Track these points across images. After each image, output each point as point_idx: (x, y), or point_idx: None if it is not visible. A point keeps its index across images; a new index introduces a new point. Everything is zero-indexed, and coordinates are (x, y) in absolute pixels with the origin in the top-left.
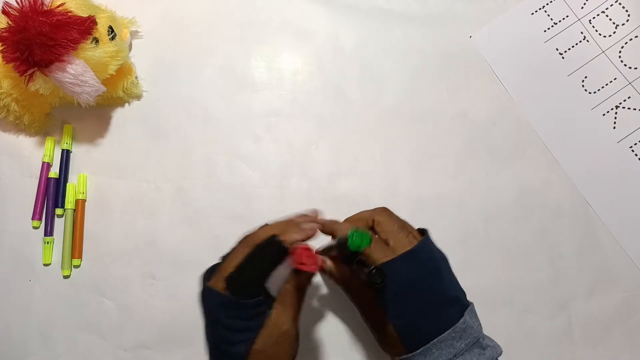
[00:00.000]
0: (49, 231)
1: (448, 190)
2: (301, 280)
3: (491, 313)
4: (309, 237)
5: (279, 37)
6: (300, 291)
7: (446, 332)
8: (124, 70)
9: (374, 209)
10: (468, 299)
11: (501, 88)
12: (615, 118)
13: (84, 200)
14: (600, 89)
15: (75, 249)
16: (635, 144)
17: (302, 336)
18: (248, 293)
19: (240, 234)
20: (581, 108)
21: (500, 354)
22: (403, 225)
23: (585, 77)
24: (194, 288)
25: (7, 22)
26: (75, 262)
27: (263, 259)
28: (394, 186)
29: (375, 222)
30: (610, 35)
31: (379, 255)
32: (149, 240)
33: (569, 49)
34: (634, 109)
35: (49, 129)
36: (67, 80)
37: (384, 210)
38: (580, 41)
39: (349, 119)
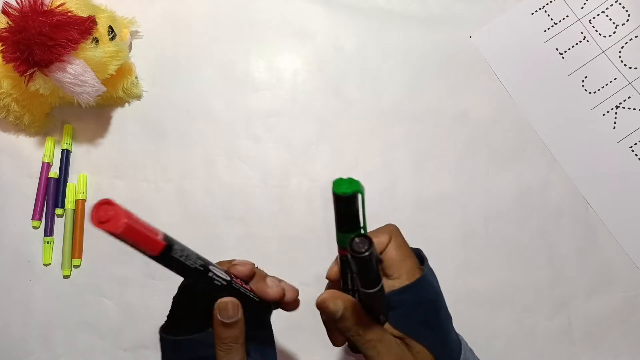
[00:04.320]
0: (49, 231)
1: (448, 190)
2: (220, 333)
3: (491, 313)
4: (241, 273)
5: (279, 37)
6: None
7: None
8: (124, 70)
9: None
10: (468, 299)
11: (501, 88)
12: (615, 118)
13: (84, 200)
14: (600, 89)
15: (75, 249)
16: (635, 144)
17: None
18: (180, 329)
19: (240, 234)
20: (581, 108)
21: None
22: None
23: (585, 77)
24: None
25: (7, 22)
26: (75, 262)
27: (182, 291)
28: (394, 186)
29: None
30: (610, 35)
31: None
32: None
33: (569, 49)
34: (634, 109)
35: (49, 129)
36: (67, 80)
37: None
38: (580, 41)
39: (349, 119)
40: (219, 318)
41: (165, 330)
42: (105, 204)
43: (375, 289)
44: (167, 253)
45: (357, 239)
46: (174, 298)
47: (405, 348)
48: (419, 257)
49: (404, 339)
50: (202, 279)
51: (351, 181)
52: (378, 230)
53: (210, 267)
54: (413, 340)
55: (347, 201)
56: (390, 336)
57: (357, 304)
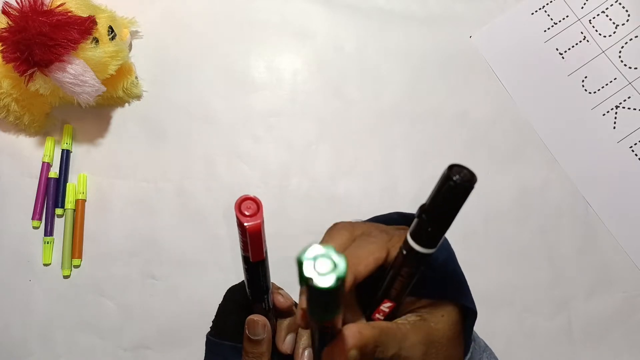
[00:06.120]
0: (49, 231)
1: None
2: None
3: (491, 313)
4: (279, 304)
5: (279, 37)
6: None
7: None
8: (124, 70)
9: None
10: None
11: (501, 88)
12: (615, 118)
13: (84, 200)
14: (600, 89)
15: (75, 249)
16: (635, 144)
17: None
18: (222, 336)
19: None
20: (581, 108)
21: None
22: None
23: (585, 77)
24: (194, 288)
25: (7, 22)
26: (75, 262)
27: (228, 299)
28: (394, 186)
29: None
30: (610, 35)
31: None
32: (149, 240)
33: (569, 49)
34: (634, 109)
35: (49, 129)
36: (67, 80)
37: (343, 226)
38: (580, 41)
39: (349, 119)
40: (247, 333)
41: (210, 334)
42: (251, 200)
43: (434, 248)
44: (262, 263)
45: (459, 167)
46: (220, 306)
47: (427, 319)
48: (404, 219)
49: (423, 309)
50: (260, 297)
51: (328, 257)
52: (363, 250)
53: (270, 291)
54: (436, 306)
55: (334, 291)
56: (407, 328)
57: (364, 331)
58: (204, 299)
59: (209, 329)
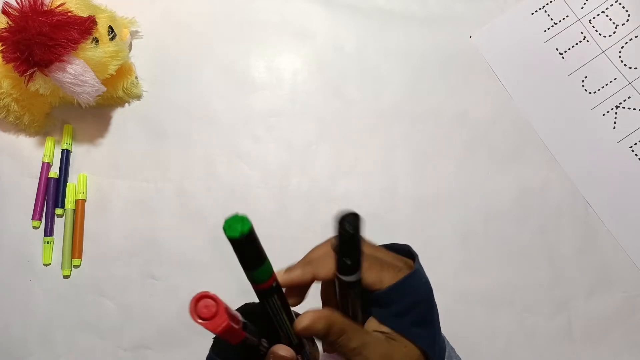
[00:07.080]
0: (49, 231)
1: (448, 190)
2: None
3: (491, 313)
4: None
5: (279, 37)
6: None
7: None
8: (124, 70)
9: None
10: (468, 299)
11: (501, 88)
12: (615, 118)
13: (84, 200)
14: (600, 89)
15: (75, 249)
16: (635, 144)
17: None
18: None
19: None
20: (581, 108)
21: None
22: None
23: (585, 77)
24: (194, 288)
25: (7, 22)
26: (75, 262)
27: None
28: (394, 186)
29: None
30: (610, 35)
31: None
32: (149, 240)
33: (569, 49)
34: (634, 109)
35: (49, 129)
36: (67, 80)
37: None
38: (580, 41)
39: (349, 119)
40: None
41: (213, 350)
42: (207, 298)
43: (355, 276)
44: (244, 343)
45: (346, 216)
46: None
47: (391, 343)
48: (408, 253)
49: (390, 334)
50: (252, 349)
51: (241, 219)
52: (331, 261)
53: (262, 341)
54: (401, 336)
55: (248, 240)
56: (374, 336)
57: (336, 314)
58: None
59: (212, 346)
